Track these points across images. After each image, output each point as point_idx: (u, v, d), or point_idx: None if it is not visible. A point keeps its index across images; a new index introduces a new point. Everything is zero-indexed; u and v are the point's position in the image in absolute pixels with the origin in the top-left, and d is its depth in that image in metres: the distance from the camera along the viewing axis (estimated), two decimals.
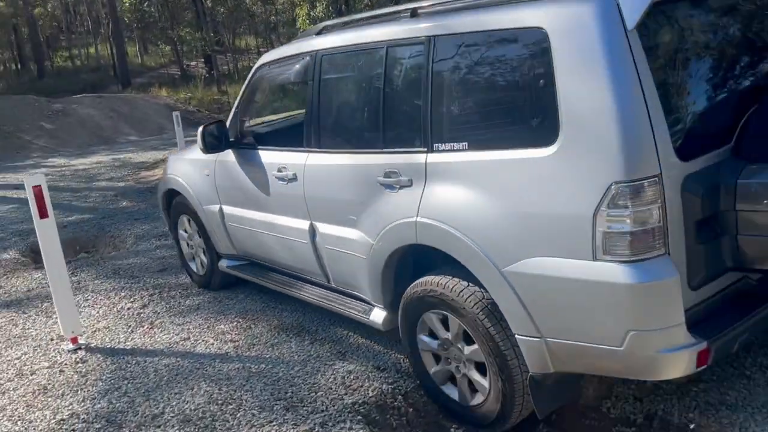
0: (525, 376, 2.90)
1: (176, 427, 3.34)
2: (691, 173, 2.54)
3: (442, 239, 3.04)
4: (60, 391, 3.85)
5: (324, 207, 3.82)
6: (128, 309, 5.14)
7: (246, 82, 4.73)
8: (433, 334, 3.33)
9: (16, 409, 3.70)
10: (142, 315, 4.99)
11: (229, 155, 4.62)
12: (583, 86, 2.49)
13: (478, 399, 3.18)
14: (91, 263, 6.60)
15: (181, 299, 5.26)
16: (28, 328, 4.95)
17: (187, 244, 5.59)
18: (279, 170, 4.09)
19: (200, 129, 4.55)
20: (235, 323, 4.62)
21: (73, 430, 3.44)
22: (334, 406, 3.42)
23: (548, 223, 2.62)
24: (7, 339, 4.79)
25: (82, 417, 3.53)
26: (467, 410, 3.25)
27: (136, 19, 31.13)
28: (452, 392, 3.33)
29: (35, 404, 3.73)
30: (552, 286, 2.66)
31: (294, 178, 3.97)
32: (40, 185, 4.25)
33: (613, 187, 2.42)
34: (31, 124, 19.42)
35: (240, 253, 4.92)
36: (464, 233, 2.91)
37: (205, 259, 5.34)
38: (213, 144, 4.55)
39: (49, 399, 3.78)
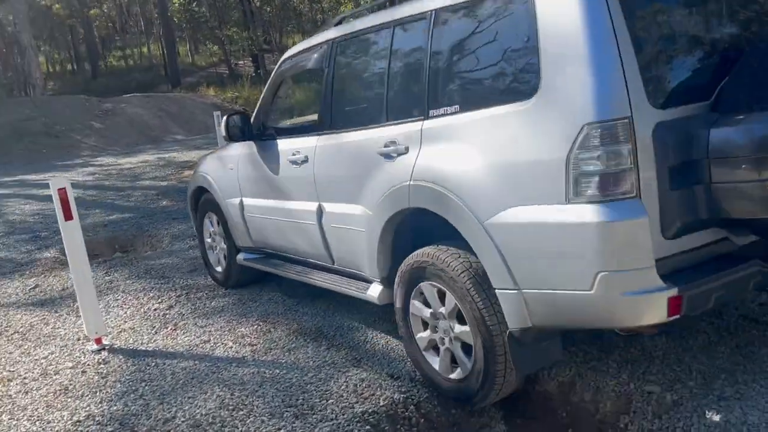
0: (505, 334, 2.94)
1: None
2: (665, 120, 2.56)
3: (431, 199, 3.13)
4: (80, 392, 3.91)
5: (330, 185, 3.95)
6: (155, 310, 5.21)
7: (271, 76, 4.82)
8: (427, 326, 3.43)
9: (36, 409, 3.77)
10: (167, 316, 5.05)
11: (252, 148, 4.75)
12: (561, 37, 2.59)
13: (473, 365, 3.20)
14: (125, 263, 6.72)
15: (207, 300, 5.30)
16: (57, 328, 5.05)
17: (211, 247, 5.66)
18: (293, 154, 4.23)
19: (224, 118, 4.72)
20: (255, 326, 4.63)
21: None
22: (343, 414, 3.37)
23: (525, 172, 2.69)
24: (37, 338, 4.90)
25: (97, 419, 3.57)
26: (469, 385, 3.26)
27: (185, 20, 31.65)
28: (458, 375, 3.35)
29: (55, 404, 3.79)
30: (526, 233, 2.71)
31: (306, 160, 4.11)
32: (64, 188, 4.32)
33: (585, 128, 2.49)
34: (81, 123, 19.99)
35: (256, 245, 5.02)
36: (450, 190, 2.99)
37: (225, 249, 5.43)
38: (236, 133, 4.71)
39: (69, 399, 3.84)
